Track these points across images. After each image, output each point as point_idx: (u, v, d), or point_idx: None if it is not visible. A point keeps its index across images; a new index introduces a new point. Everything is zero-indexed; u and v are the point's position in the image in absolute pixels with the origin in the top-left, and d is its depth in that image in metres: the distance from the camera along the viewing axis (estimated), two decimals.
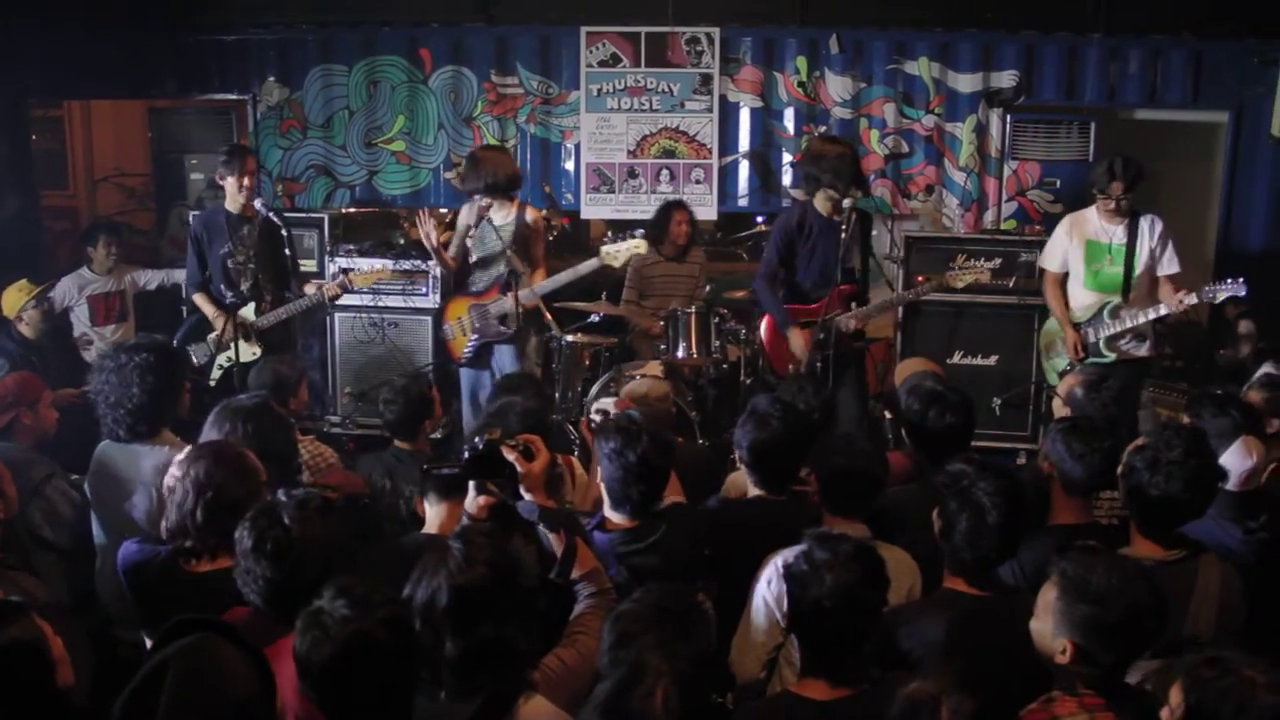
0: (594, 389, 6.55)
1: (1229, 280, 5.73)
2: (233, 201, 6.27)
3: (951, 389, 4.22)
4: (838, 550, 2.74)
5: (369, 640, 2.29)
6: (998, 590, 3.16)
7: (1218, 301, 5.83)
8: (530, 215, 6.45)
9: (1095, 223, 6.08)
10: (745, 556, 3.52)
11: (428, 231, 6.30)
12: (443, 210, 8.28)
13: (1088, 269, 6.11)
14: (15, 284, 6.83)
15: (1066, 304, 6.18)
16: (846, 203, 5.88)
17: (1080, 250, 6.12)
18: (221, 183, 6.31)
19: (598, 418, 3.71)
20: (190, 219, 6.92)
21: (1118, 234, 6.00)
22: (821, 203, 6.02)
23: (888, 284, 7.02)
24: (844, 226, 5.86)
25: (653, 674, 2.20)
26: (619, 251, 6.27)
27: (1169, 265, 5.98)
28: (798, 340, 5.99)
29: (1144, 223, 5.97)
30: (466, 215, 6.50)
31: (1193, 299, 5.76)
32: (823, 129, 8.02)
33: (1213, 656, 2.31)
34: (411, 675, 2.39)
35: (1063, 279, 6.22)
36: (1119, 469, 3.43)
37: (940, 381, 4.38)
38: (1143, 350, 6.09)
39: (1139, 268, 5.97)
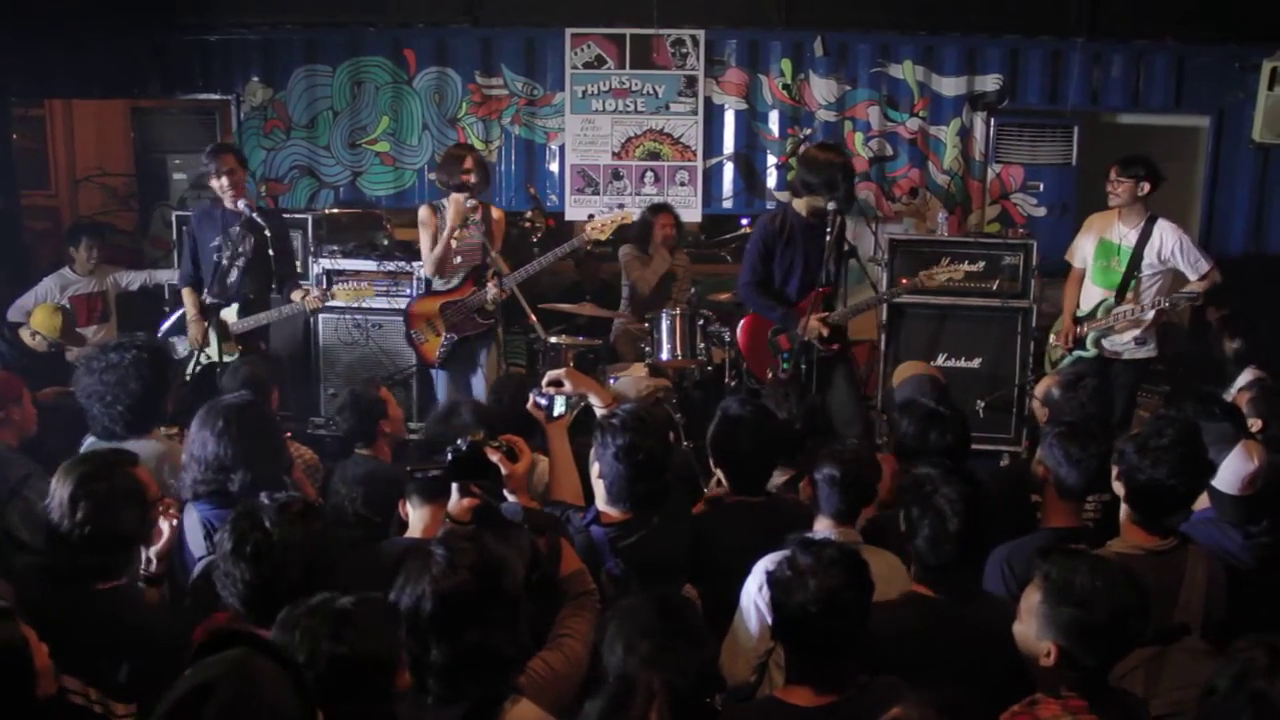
0: None
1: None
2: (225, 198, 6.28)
3: (947, 406, 4.20)
4: (821, 555, 2.72)
5: (348, 660, 2.30)
6: (961, 594, 3.14)
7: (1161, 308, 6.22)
8: (495, 213, 6.48)
9: (1114, 224, 6.31)
10: (725, 559, 3.53)
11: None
12: None
13: (1096, 266, 6.37)
14: (52, 306, 7.03)
15: (1079, 300, 6.45)
16: (830, 205, 5.89)
17: (1093, 247, 6.38)
18: (211, 183, 6.30)
19: (543, 400, 3.67)
20: (191, 212, 6.91)
21: (1129, 236, 6.25)
22: (801, 206, 6.03)
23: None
24: (829, 230, 5.87)
25: (643, 693, 2.18)
26: (603, 224, 6.31)
27: (1195, 269, 6.20)
28: (814, 327, 5.94)
29: (1157, 230, 6.20)
30: (430, 216, 6.44)
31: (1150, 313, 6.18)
32: (807, 131, 8.04)
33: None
34: (388, 691, 2.39)
35: (1083, 275, 6.48)
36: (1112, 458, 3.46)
37: (937, 394, 4.36)
38: (1142, 352, 6.34)
39: (1144, 271, 6.20)
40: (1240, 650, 2.33)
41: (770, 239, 6.07)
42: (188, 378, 6.10)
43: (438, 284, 6.49)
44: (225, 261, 6.24)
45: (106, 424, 4.07)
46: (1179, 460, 3.31)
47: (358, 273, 7.30)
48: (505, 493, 3.07)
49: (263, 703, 2.04)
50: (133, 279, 7.79)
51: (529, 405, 3.71)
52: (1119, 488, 3.42)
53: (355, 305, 7.00)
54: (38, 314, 6.88)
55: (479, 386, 6.38)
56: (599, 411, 3.70)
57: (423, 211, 6.48)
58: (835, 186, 5.86)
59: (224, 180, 6.15)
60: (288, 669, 2.15)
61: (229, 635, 2.20)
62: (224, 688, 2.01)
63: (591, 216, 6.50)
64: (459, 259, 6.38)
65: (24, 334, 6.83)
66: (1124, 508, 3.42)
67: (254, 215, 6.07)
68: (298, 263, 7.31)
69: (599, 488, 3.49)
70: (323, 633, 2.30)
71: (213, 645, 2.15)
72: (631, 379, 5.81)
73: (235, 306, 6.23)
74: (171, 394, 4.37)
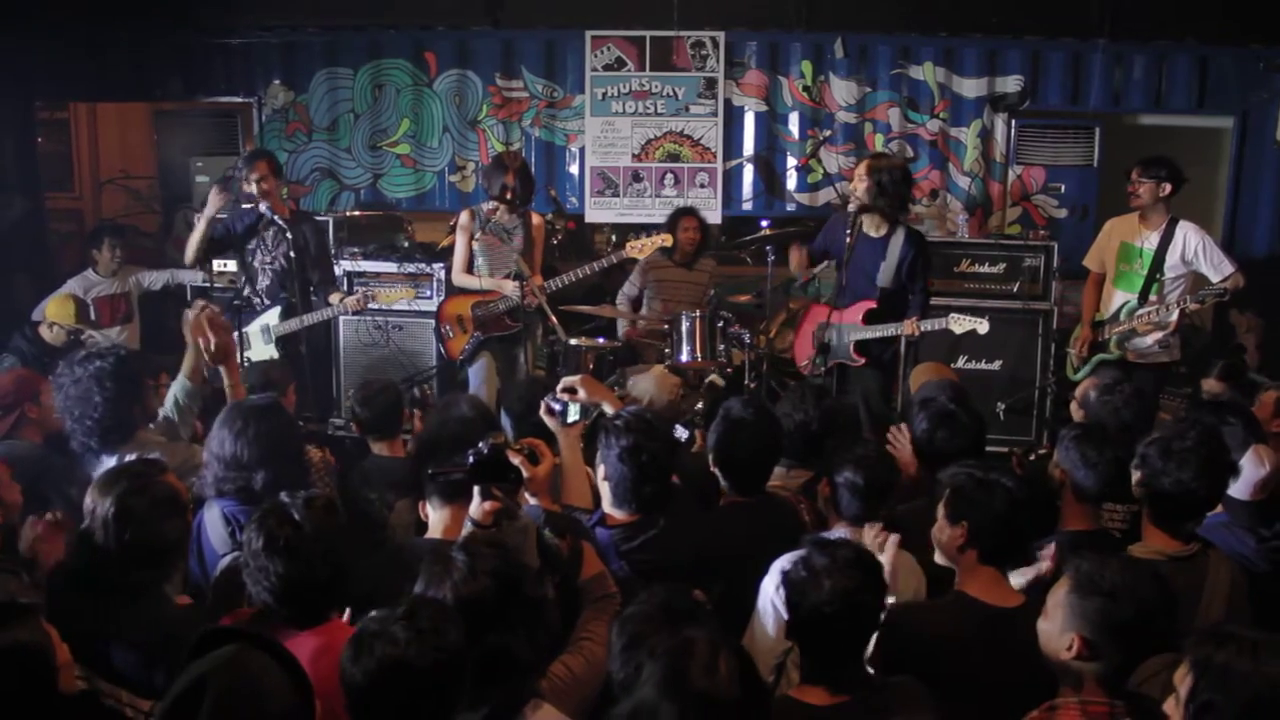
0: None
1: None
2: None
3: (963, 406, 4.19)
4: (836, 556, 2.71)
5: (410, 670, 2.28)
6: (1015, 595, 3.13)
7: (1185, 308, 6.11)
8: (535, 219, 6.51)
9: (1135, 227, 6.26)
10: (721, 561, 3.53)
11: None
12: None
13: (1118, 269, 6.31)
14: (62, 295, 7.13)
15: (1099, 304, 6.39)
16: (851, 206, 5.89)
17: (1115, 251, 6.32)
18: (244, 188, 6.34)
19: (557, 406, 3.69)
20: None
21: (1151, 239, 6.19)
22: (869, 220, 5.96)
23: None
24: (848, 232, 5.87)
25: (705, 646, 2.17)
26: (644, 245, 6.39)
27: (1219, 270, 6.12)
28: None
29: (1179, 231, 6.14)
30: (468, 221, 6.47)
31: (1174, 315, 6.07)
32: (827, 133, 8.05)
33: (1210, 633, 2.35)
34: (449, 710, 2.38)
35: (1102, 279, 6.42)
36: (1135, 462, 3.43)
37: (954, 395, 4.35)
38: (1165, 356, 6.27)
39: (1166, 274, 6.15)
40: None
41: (825, 236, 6.15)
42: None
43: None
44: (261, 263, 6.32)
45: (81, 438, 4.08)
46: (1204, 463, 3.30)
47: (379, 274, 7.32)
48: (527, 495, 3.07)
49: (257, 693, 2.06)
50: (155, 279, 7.83)
51: (542, 411, 3.72)
52: (1140, 492, 3.41)
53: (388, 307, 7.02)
54: (50, 306, 7.01)
55: None
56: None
57: (463, 216, 6.49)
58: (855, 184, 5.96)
59: (254, 187, 6.17)
60: (284, 662, 2.17)
61: (223, 633, 2.22)
62: (217, 680, 2.03)
63: (632, 235, 6.55)
64: (498, 264, 6.40)
65: (43, 330, 6.92)
66: (1146, 512, 3.41)
67: (288, 219, 6.12)
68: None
69: (604, 490, 3.51)
70: (411, 653, 2.29)
71: (207, 644, 2.17)
72: (651, 378, 5.79)
73: (277, 310, 6.26)
74: (144, 402, 4.34)
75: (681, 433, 4.14)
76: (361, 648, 2.31)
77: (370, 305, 6.46)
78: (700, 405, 5.87)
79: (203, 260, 6.53)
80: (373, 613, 2.40)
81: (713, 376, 6.66)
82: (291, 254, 6.17)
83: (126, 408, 4.15)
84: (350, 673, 2.31)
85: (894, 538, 3.25)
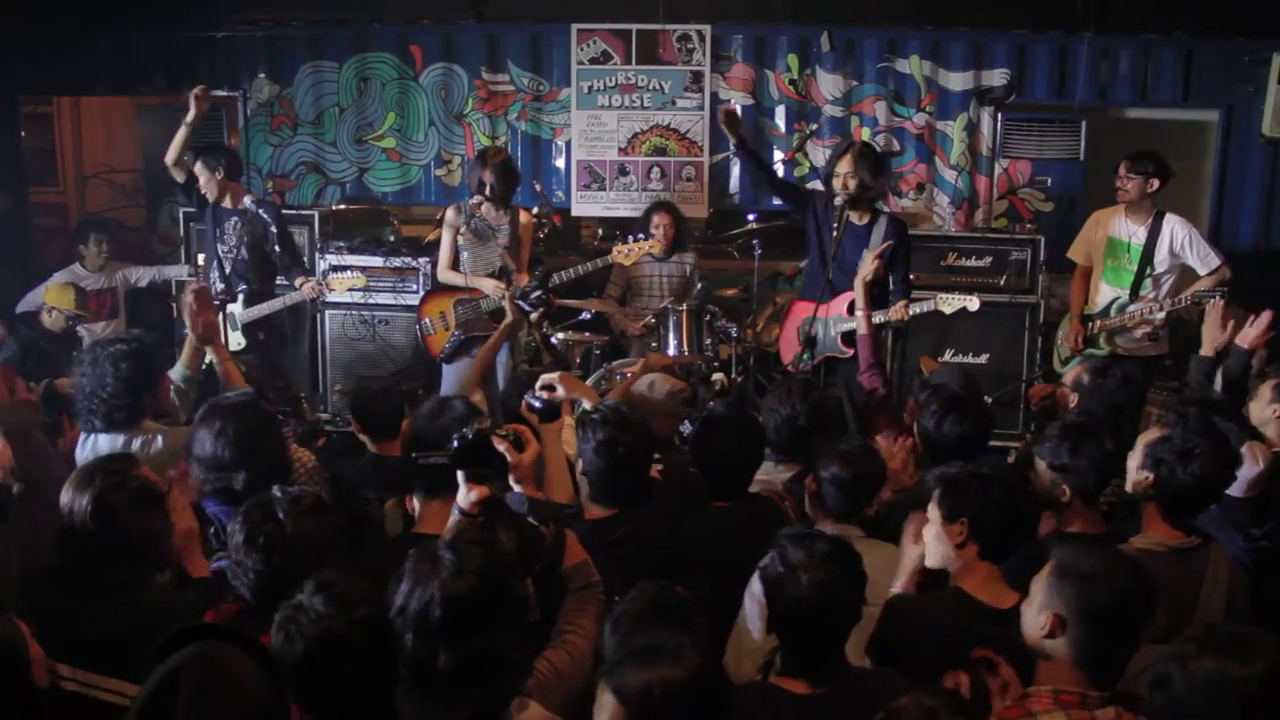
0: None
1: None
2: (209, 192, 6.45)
3: (970, 394, 4.17)
4: (813, 550, 2.71)
5: (343, 640, 2.27)
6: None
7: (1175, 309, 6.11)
8: (524, 217, 6.46)
9: (1121, 220, 6.25)
10: (704, 560, 3.52)
11: None
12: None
13: (1107, 264, 6.31)
14: (62, 282, 7.27)
15: (1087, 297, 6.40)
16: (837, 200, 5.87)
17: (1102, 245, 6.33)
18: None
19: (537, 403, 3.68)
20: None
21: (1139, 234, 6.19)
22: (853, 210, 5.94)
23: None
24: (834, 225, 5.85)
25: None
26: (630, 250, 6.32)
27: (1205, 263, 6.15)
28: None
29: (1165, 225, 6.15)
30: (454, 217, 6.44)
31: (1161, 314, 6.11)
32: (813, 127, 8.04)
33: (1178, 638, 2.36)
34: (388, 674, 2.36)
35: (1089, 272, 6.43)
36: (1139, 462, 3.40)
37: (963, 383, 4.34)
38: (1154, 349, 6.31)
39: (1157, 268, 6.16)
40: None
41: (817, 202, 6.06)
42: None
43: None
44: (222, 254, 6.37)
45: (86, 415, 4.09)
46: (1226, 459, 3.36)
47: (365, 269, 7.30)
48: (511, 482, 3.06)
49: (233, 685, 2.04)
50: (141, 275, 7.83)
51: (522, 408, 3.71)
52: (1145, 484, 3.37)
53: (355, 296, 6.99)
54: (51, 291, 7.08)
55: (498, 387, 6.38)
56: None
57: (449, 212, 6.46)
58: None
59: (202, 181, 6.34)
60: (255, 654, 2.15)
61: (192, 630, 2.19)
62: (191, 674, 2.01)
63: (620, 240, 6.54)
64: (482, 260, 6.37)
65: (43, 316, 6.96)
66: (1154, 506, 3.37)
67: (259, 210, 6.11)
68: (304, 258, 7.35)
69: (583, 484, 3.52)
70: (340, 622, 2.29)
71: (172, 644, 2.14)
72: (656, 378, 5.77)
73: (240, 299, 6.28)
74: (157, 391, 4.35)
75: (687, 427, 4.14)
76: (288, 629, 2.29)
77: (328, 295, 6.48)
78: (713, 404, 5.83)
79: (183, 161, 6.63)
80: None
81: (718, 375, 6.65)
82: (269, 245, 6.19)
83: (138, 393, 4.14)
84: (284, 655, 2.27)
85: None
